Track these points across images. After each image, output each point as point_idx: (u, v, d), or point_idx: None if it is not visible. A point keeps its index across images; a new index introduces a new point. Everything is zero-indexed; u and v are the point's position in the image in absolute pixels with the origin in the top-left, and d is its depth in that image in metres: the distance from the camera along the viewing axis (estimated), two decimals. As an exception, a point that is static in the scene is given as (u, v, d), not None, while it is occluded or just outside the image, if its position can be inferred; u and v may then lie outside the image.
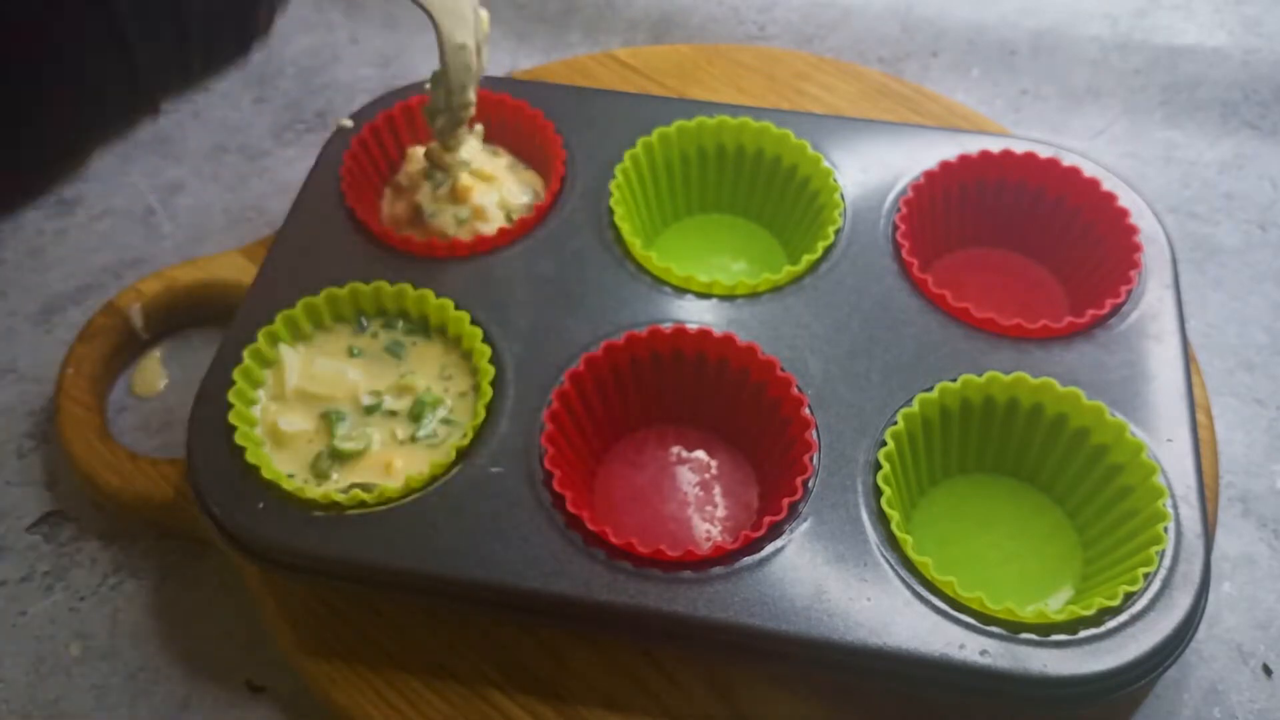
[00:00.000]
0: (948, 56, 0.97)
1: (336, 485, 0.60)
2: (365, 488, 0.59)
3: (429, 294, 0.66)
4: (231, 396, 0.62)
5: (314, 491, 0.59)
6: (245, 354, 0.63)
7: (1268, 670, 0.63)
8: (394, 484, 0.59)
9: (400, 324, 0.67)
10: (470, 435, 0.61)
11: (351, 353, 0.66)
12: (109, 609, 0.67)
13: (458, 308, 0.65)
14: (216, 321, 0.78)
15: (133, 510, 0.68)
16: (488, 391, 0.62)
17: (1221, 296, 0.80)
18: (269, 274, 0.69)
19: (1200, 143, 0.89)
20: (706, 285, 0.67)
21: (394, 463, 0.61)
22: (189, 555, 0.69)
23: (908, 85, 0.88)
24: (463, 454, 0.60)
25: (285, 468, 0.61)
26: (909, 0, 1.02)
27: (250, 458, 0.59)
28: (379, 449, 0.62)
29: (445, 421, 0.63)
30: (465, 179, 0.73)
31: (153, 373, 0.77)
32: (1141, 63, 0.96)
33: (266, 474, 0.59)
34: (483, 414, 0.61)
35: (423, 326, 0.67)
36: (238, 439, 0.60)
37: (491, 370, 0.63)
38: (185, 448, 0.61)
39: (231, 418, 0.61)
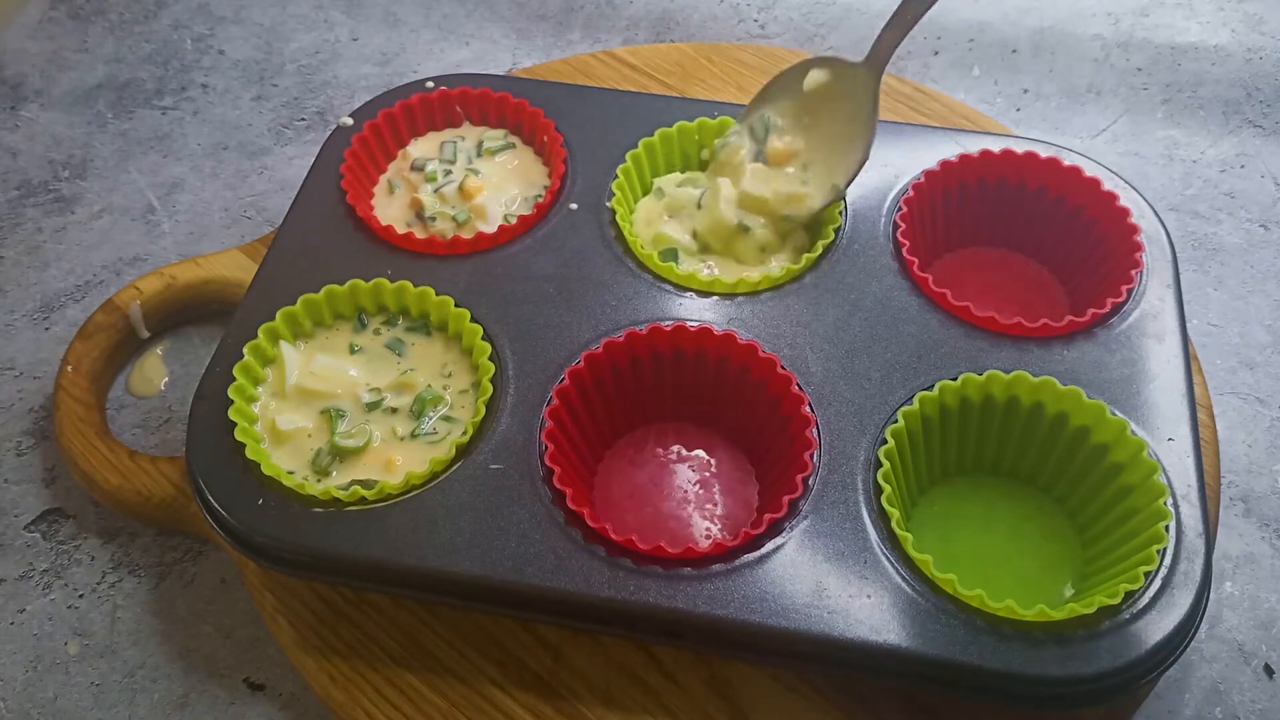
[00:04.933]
0: (949, 55, 0.97)
1: (336, 482, 0.60)
2: (365, 484, 0.59)
3: (429, 291, 0.66)
4: (231, 393, 0.62)
5: (314, 488, 0.59)
6: (246, 350, 0.63)
7: (1269, 670, 0.63)
8: (394, 480, 0.59)
9: (401, 321, 0.67)
10: (470, 432, 0.60)
11: (352, 350, 0.66)
12: (108, 607, 0.67)
13: (458, 305, 0.65)
14: (216, 319, 0.79)
15: (132, 508, 0.68)
16: (488, 389, 0.62)
17: (1223, 295, 0.80)
18: (269, 271, 0.69)
19: (1202, 141, 0.89)
20: (708, 283, 0.67)
21: (394, 459, 0.61)
22: (188, 553, 0.69)
23: (909, 84, 0.88)
24: (463, 451, 0.60)
25: (285, 464, 0.61)
26: (910, -1, 1.02)
27: (250, 454, 0.59)
28: (379, 446, 0.62)
29: (445, 419, 0.63)
30: (473, 179, 0.73)
31: (153, 371, 0.76)
32: (1143, 61, 0.95)
33: (266, 470, 0.59)
34: (483, 411, 0.61)
35: (423, 324, 0.67)
36: (237, 435, 0.60)
37: (491, 367, 0.63)
38: (185, 444, 0.61)
39: (231, 414, 0.61)
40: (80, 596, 0.67)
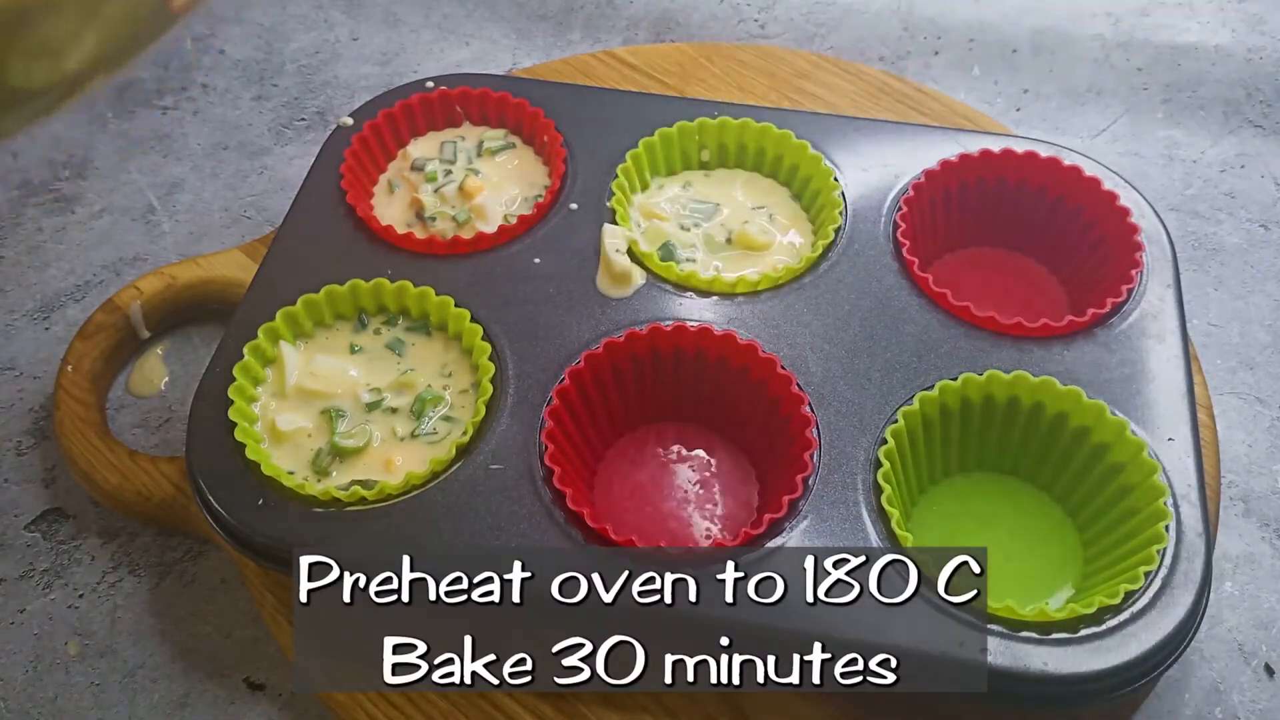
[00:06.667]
0: (949, 55, 0.97)
1: (336, 482, 0.60)
2: (365, 484, 0.59)
3: (429, 291, 0.66)
4: (231, 393, 0.62)
5: (314, 488, 0.59)
6: (246, 350, 0.63)
7: (1269, 670, 0.63)
8: (394, 481, 0.59)
9: (401, 321, 0.67)
10: (470, 432, 0.60)
11: (352, 350, 0.66)
12: (108, 606, 0.67)
13: (458, 305, 0.65)
14: (216, 319, 0.78)
15: (132, 508, 0.68)
16: (488, 389, 0.62)
17: (1223, 296, 0.80)
18: (269, 271, 0.69)
19: (1202, 141, 0.89)
20: (708, 283, 0.67)
21: (394, 459, 0.61)
22: (188, 553, 0.69)
23: (909, 84, 0.88)
24: (463, 451, 0.60)
25: (285, 464, 0.61)
26: (910, -1, 1.02)
27: (250, 454, 0.59)
28: (379, 446, 0.62)
29: (445, 419, 0.63)
30: (473, 179, 0.73)
31: (153, 371, 0.76)
32: (1143, 61, 0.95)
33: (266, 470, 0.59)
34: (482, 411, 0.61)
35: (423, 324, 0.67)
36: (237, 435, 0.60)
37: (491, 368, 0.63)
38: (185, 444, 0.61)
39: (231, 414, 0.61)
40: (80, 596, 0.67)
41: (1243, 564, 0.67)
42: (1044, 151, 0.71)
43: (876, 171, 0.72)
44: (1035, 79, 0.95)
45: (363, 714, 0.59)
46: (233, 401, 0.62)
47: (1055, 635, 0.53)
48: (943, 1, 1.01)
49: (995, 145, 0.71)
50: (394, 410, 0.63)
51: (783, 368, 0.62)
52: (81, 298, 0.82)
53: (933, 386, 0.61)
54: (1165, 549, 0.56)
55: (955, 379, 0.61)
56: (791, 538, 0.57)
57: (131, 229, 0.86)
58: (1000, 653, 0.53)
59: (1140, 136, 0.90)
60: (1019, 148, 0.71)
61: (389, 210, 0.73)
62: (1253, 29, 0.97)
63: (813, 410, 0.61)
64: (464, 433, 0.61)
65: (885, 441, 0.59)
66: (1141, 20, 0.99)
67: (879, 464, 0.59)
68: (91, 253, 0.84)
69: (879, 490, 0.58)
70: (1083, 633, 0.53)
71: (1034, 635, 0.53)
